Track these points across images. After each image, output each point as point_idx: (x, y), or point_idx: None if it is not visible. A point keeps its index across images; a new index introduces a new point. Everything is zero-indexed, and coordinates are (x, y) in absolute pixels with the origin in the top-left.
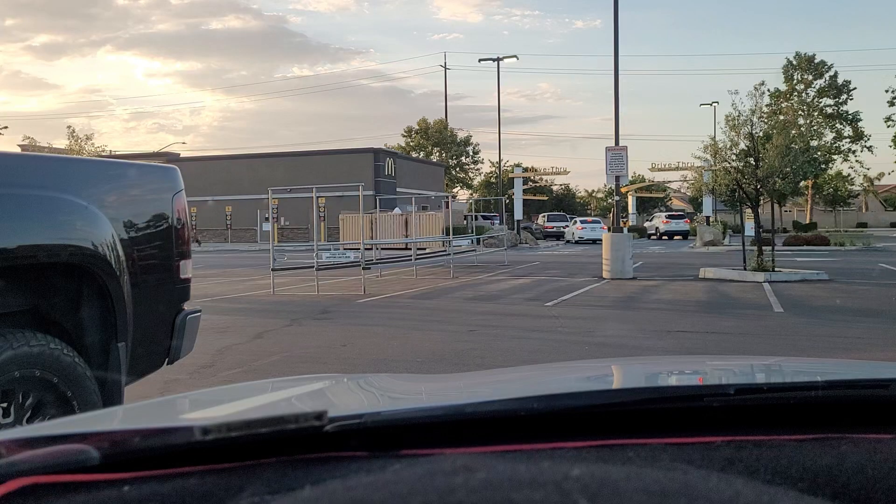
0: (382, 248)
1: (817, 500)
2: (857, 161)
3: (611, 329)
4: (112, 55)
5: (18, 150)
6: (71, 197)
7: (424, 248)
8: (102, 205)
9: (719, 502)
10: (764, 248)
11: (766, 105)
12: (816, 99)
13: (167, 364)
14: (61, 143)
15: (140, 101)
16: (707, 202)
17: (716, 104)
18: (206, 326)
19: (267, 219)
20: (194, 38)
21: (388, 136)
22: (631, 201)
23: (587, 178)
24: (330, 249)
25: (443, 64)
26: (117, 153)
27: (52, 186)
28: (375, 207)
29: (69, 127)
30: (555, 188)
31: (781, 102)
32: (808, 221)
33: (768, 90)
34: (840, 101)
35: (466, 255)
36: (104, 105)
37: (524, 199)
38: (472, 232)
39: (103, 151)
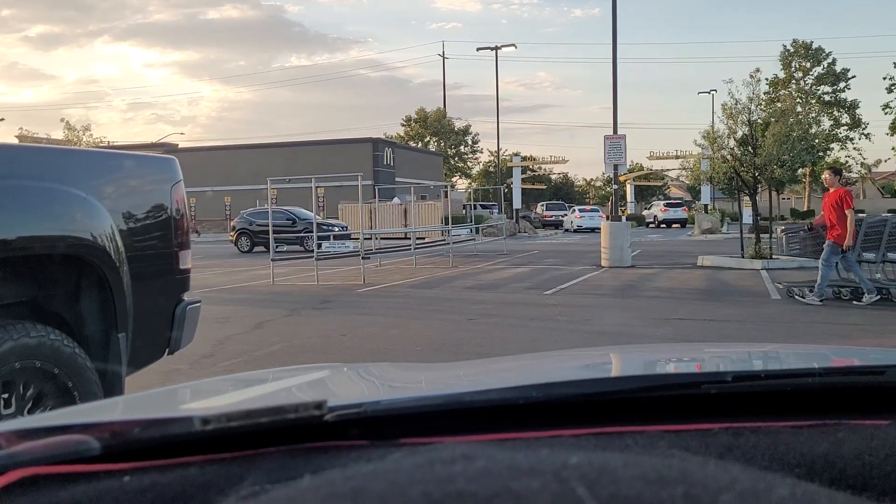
0: (382, 238)
1: (814, 487)
2: (854, 148)
3: (609, 317)
4: (109, 46)
5: (16, 141)
6: (70, 188)
7: (423, 238)
8: (101, 196)
9: (717, 489)
10: (762, 235)
11: (765, 93)
12: (814, 86)
13: (167, 354)
14: (58, 134)
15: (138, 92)
16: (705, 190)
17: (714, 92)
18: (206, 317)
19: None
20: (192, 28)
21: (387, 126)
22: (629, 190)
23: (585, 166)
24: (329, 239)
25: (441, 53)
26: (115, 144)
27: (51, 178)
28: (374, 197)
29: (62, 119)
30: (553, 177)
31: (780, 90)
32: (805, 209)
33: (766, 79)
34: (838, 88)
35: (465, 244)
36: (102, 96)
37: (523, 188)
38: (471, 221)
39: (101, 142)
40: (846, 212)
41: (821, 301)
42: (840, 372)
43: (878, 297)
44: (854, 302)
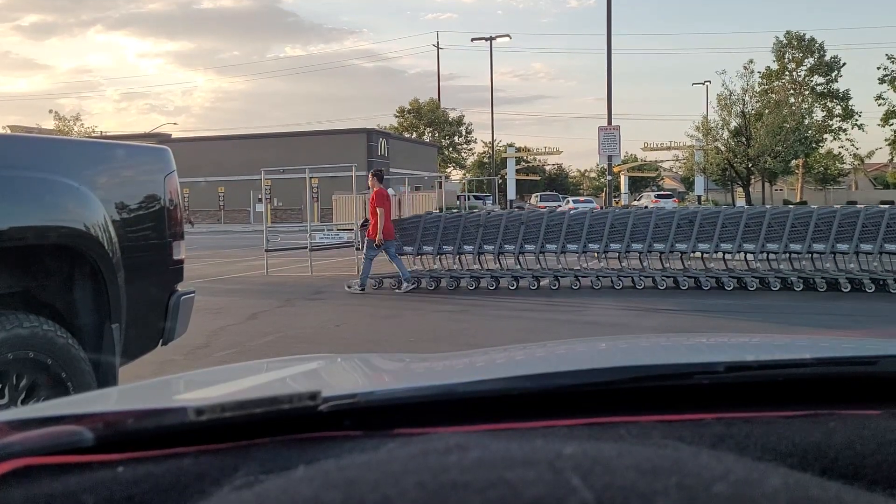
0: None
1: (806, 476)
2: (847, 139)
3: (601, 308)
4: (102, 35)
5: (8, 130)
6: (62, 178)
7: None
8: (94, 186)
9: (710, 479)
10: None
11: (758, 84)
12: (808, 77)
13: (161, 345)
14: (50, 124)
15: (131, 82)
16: (699, 181)
17: (708, 83)
18: (200, 307)
19: (260, 200)
20: (186, 17)
21: (381, 117)
22: (623, 181)
23: (580, 157)
24: (323, 230)
25: (435, 44)
26: (108, 134)
27: (44, 168)
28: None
29: (51, 111)
30: (547, 168)
31: (773, 81)
32: (798, 200)
33: (759, 71)
34: (831, 78)
35: None
36: (95, 86)
37: (517, 179)
38: (466, 212)
39: (92, 132)
40: (377, 210)
41: (362, 290)
42: (832, 362)
43: (415, 285)
44: (396, 290)
